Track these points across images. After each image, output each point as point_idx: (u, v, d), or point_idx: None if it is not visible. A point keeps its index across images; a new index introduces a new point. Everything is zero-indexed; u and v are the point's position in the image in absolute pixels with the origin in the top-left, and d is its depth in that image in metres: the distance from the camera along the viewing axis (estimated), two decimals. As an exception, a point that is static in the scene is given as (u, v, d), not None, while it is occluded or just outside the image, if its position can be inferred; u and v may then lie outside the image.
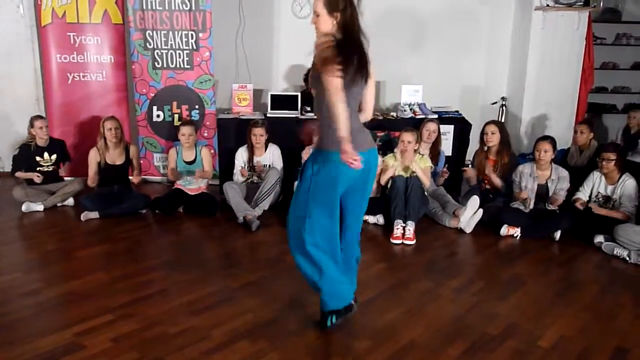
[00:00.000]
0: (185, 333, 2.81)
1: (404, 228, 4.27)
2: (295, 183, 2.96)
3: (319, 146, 2.66)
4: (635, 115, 6.19)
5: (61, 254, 3.96)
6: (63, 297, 3.22)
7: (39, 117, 5.00)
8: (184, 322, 2.92)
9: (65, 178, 5.14)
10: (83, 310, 3.03)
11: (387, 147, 5.24)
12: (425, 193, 4.68)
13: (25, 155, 4.87)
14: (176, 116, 5.57)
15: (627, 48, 7.46)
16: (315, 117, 2.72)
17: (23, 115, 5.68)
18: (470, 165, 5.16)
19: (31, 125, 4.88)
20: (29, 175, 4.85)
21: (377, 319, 3.02)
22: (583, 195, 4.47)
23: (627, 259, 3.93)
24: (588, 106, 6.93)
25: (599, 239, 4.17)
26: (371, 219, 4.63)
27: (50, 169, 4.95)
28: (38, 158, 4.88)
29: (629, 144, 5.93)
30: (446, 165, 5.01)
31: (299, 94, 5.38)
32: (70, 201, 4.92)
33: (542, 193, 4.50)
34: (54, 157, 4.95)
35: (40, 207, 4.75)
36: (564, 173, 4.49)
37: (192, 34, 5.36)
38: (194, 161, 4.96)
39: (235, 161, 4.98)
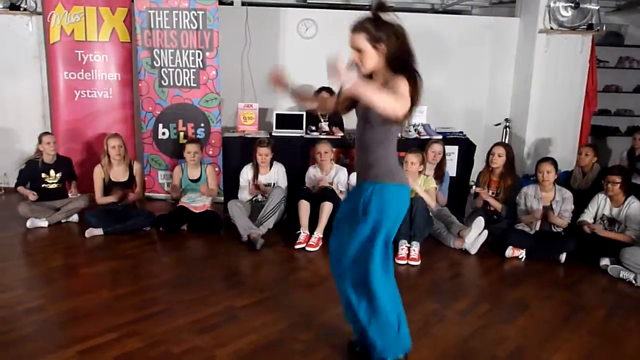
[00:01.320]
0: (189, 353, 2.79)
1: (408, 249, 4.26)
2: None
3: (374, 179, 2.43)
4: (640, 138, 6.21)
5: (65, 271, 3.95)
6: (66, 314, 3.20)
7: (48, 133, 5.03)
8: (188, 342, 2.90)
9: (70, 195, 5.15)
10: (86, 328, 3.01)
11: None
12: (430, 214, 4.67)
13: (31, 171, 4.90)
14: (181, 134, 5.59)
15: (629, 71, 7.54)
16: (358, 155, 2.53)
17: (29, 132, 5.74)
18: (474, 186, 5.16)
19: (39, 141, 4.91)
20: (26, 192, 4.86)
21: (382, 340, 2.99)
22: (588, 217, 4.46)
23: (634, 282, 3.91)
24: (591, 128, 6.96)
25: (605, 261, 4.15)
26: (375, 239, 4.61)
27: (55, 186, 4.96)
28: (44, 175, 4.89)
29: (634, 166, 5.94)
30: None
31: (304, 113, 5.40)
32: (75, 217, 4.93)
33: (547, 215, 4.49)
34: (59, 174, 4.97)
35: (44, 223, 4.75)
36: (568, 194, 4.48)
37: (199, 53, 5.41)
38: (199, 179, 4.97)
39: (240, 179, 4.99)
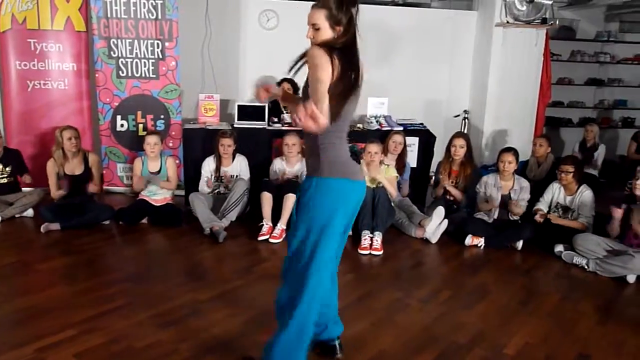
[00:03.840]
0: (151, 347, 2.76)
1: (371, 239, 4.30)
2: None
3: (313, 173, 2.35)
4: (592, 129, 6.46)
5: (20, 267, 3.82)
6: (23, 311, 3.11)
7: None
8: (151, 336, 2.86)
9: (24, 189, 4.97)
10: (44, 325, 2.93)
11: (353, 158, 5.26)
12: (392, 204, 4.73)
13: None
14: (141, 126, 5.48)
15: (581, 64, 7.80)
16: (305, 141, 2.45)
17: (-21, 124, 5.50)
18: (434, 176, 5.25)
19: None
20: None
21: (345, 330, 2.98)
22: (543, 205, 4.61)
23: (586, 267, 4.06)
24: (545, 120, 7.18)
25: (559, 248, 4.31)
26: (338, 229, 4.64)
27: (6, 180, 4.78)
28: (-6, 169, 4.72)
29: (586, 157, 6.18)
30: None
31: (267, 105, 5.37)
32: (30, 212, 4.76)
33: (505, 203, 4.62)
34: (8, 168, 4.79)
35: (-3, 218, 4.59)
36: (526, 183, 4.63)
37: (157, 43, 5.30)
38: (159, 171, 4.88)
39: (202, 171, 4.93)
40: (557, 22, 6.28)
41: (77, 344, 2.75)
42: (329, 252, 2.34)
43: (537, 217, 4.51)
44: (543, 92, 6.56)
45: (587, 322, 3.26)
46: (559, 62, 7.55)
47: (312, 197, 2.29)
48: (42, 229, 4.40)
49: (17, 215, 4.72)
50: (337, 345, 2.72)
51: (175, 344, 2.79)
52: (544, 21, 6.13)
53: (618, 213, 4.14)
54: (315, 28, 2.24)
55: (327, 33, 2.23)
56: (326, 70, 2.14)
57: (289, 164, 4.91)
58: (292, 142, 4.85)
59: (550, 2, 6.01)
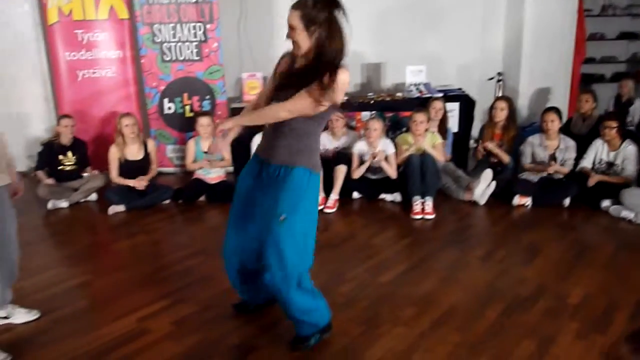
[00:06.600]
0: (240, 315, 2.98)
1: (422, 204, 4.48)
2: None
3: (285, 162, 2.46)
4: (627, 84, 6.45)
5: (98, 247, 4.11)
6: (114, 286, 3.36)
7: (67, 116, 5.04)
8: (237, 303, 3.08)
9: (84, 174, 5.21)
10: (137, 298, 3.18)
11: (395, 127, 5.43)
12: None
13: (49, 153, 4.95)
14: (187, 107, 5.68)
15: (613, 18, 7.72)
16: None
17: (33, 115, 5.77)
18: (474, 140, 5.36)
19: (58, 123, 4.97)
20: (43, 178, 4.92)
21: (415, 288, 3.23)
22: (587, 162, 4.71)
23: (634, 220, 4.19)
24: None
25: (606, 203, 4.43)
26: (388, 197, 4.83)
27: (71, 167, 5.03)
28: (61, 156, 4.95)
29: (621, 113, 6.19)
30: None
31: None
32: (94, 196, 5.03)
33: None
34: (75, 157, 5.03)
35: (65, 203, 4.85)
36: (572, 143, 4.72)
37: (199, 26, 5.45)
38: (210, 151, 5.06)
39: (252, 146, 5.10)
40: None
41: (172, 313, 3.01)
42: None
43: (591, 182, 4.55)
44: (577, 48, 6.55)
45: (642, 271, 3.42)
46: (590, 17, 7.49)
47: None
48: (109, 211, 4.67)
49: (82, 200, 4.98)
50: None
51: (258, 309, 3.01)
52: (577, -25, 6.08)
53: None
54: (291, 28, 2.29)
55: (302, 34, 2.26)
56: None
57: (335, 137, 5.07)
58: (336, 117, 4.99)
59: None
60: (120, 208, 4.70)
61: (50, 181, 4.91)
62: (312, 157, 2.48)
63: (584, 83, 7.69)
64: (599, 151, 4.69)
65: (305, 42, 2.29)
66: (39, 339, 2.79)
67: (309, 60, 2.35)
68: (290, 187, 2.43)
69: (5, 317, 2.92)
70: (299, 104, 2.32)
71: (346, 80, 2.31)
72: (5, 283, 2.83)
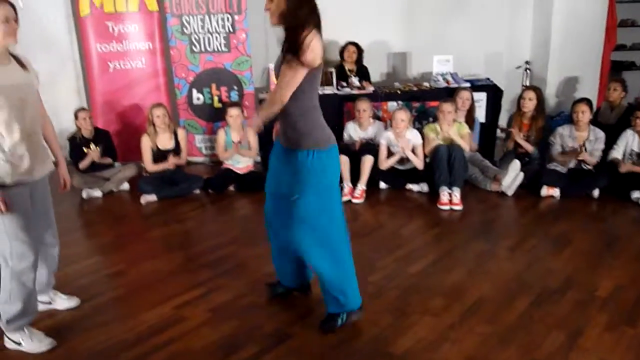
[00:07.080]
0: (274, 302, 3.06)
1: (450, 194, 4.50)
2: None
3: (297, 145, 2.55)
4: (659, 72, 6.32)
5: (132, 237, 4.23)
6: (149, 275, 3.46)
7: (82, 109, 5.16)
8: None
9: (116, 164, 5.34)
10: (172, 286, 3.28)
11: (422, 117, 5.43)
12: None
13: (74, 147, 5.05)
14: (216, 98, 5.76)
15: (645, 4, 7.53)
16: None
17: (66, 107, 5.87)
18: (501, 129, 5.33)
19: (75, 117, 5.07)
20: (87, 161, 5.01)
21: (443, 279, 3.28)
22: (617, 153, 4.66)
23: (665, 211, 4.16)
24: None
25: (636, 194, 4.40)
26: (415, 187, 4.86)
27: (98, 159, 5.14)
28: (85, 149, 5.05)
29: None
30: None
31: (334, 70, 5.53)
32: (126, 186, 5.16)
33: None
34: (99, 148, 5.11)
35: (99, 193, 5.00)
36: (601, 134, 4.68)
37: (227, 17, 5.51)
38: (241, 141, 5.16)
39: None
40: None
41: (208, 300, 3.10)
42: None
43: (623, 169, 4.53)
44: (608, 36, 6.44)
45: (674, 264, 3.40)
46: (621, 3, 7.34)
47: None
48: (141, 201, 4.79)
49: (114, 190, 5.11)
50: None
51: (293, 298, 3.09)
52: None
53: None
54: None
55: (281, 2, 2.37)
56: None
57: (362, 128, 5.10)
58: (363, 108, 5.02)
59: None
60: (152, 198, 4.82)
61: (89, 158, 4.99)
62: (313, 135, 2.55)
63: (613, 71, 7.56)
64: (629, 142, 4.65)
65: (275, 10, 2.40)
66: (80, 325, 2.90)
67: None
68: (294, 170, 2.57)
69: (49, 302, 3.05)
70: (285, 79, 2.40)
71: (316, 43, 2.35)
72: (50, 268, 2.95)
